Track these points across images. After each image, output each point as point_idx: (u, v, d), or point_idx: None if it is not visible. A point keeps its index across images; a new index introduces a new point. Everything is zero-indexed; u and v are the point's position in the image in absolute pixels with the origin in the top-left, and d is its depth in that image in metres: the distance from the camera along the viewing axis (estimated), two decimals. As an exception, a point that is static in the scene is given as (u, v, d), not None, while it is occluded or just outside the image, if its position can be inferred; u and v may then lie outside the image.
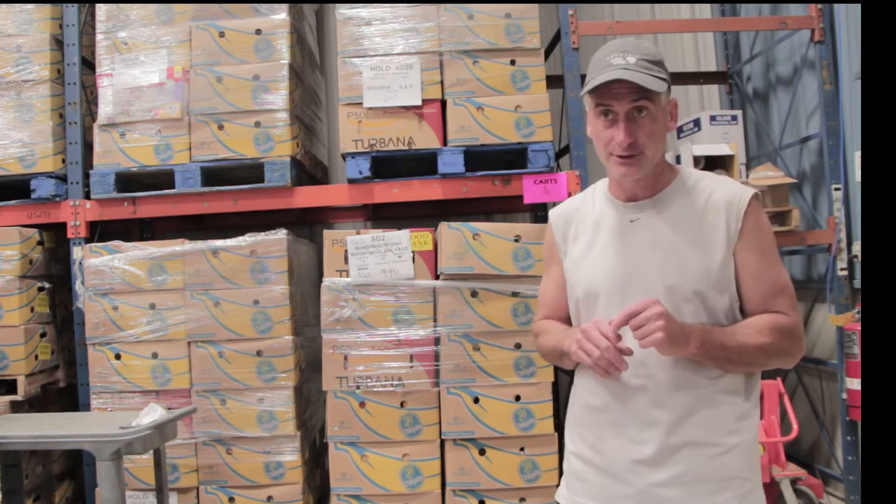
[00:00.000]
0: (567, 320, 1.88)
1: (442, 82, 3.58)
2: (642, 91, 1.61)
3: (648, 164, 1.68)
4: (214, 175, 3.73)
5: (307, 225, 4.99)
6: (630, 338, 1.62)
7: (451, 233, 3.36)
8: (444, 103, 3.58)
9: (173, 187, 3.64)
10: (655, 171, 1.72)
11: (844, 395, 3.67)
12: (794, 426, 3.66)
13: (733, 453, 1.65)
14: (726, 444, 1.65)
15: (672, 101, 1.72)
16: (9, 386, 3.52)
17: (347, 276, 3.40)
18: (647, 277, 1.67)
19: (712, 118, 4.17)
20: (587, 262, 1.78)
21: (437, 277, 3.42)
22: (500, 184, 3.63)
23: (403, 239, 3.39)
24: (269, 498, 3.45)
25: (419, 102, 3.55)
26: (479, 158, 3.63)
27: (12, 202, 3.74)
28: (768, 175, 3.80)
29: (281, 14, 3.71)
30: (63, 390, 3.86)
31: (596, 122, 1.69)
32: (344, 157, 3.63)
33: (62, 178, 3.75)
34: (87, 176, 3.71)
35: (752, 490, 1.68)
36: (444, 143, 3.58)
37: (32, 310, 3.63)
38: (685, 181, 1.75)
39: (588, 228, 1.82)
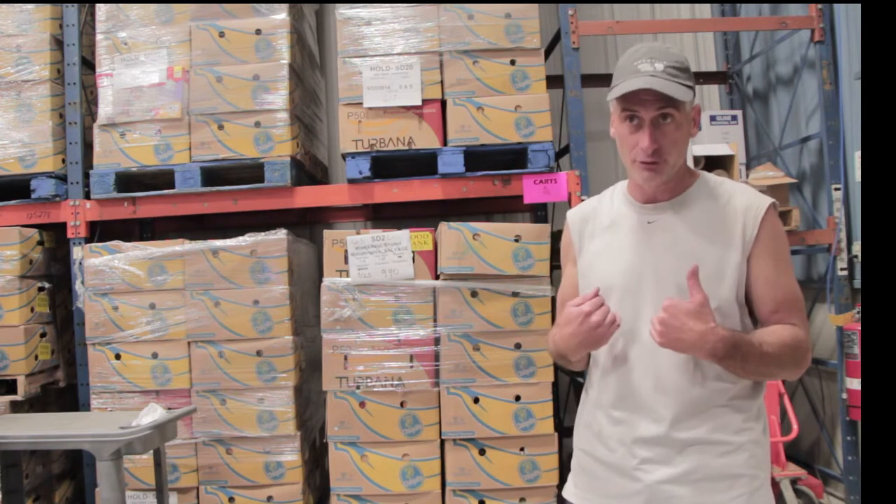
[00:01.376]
0: None
1: (442, 82, 3.58)
2: (668, 99, 1.62)
3: (670, 171, 1.69)
4: (214, 175, 3.73)
5: (307, 225, 4.99)
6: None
7: (451, 233, 3.36)
8: (444, 103, 3.58)
9: (173, 187, 3.64)
10: (676, 177, 1.74)
11: (844, 395, 3.67)
12: (794, 426, 3.67)
13: (741, 452, 1.66)
14: (734, 442, 1.66)
15: (696, 107, 1.73)
16: (9, 386, 3.52)
17: (347, 276, 3.40)
18: (661, 277, 1.68)
19: (712, 118, 4.17)
20: (602, 260, 1.79)
21: (437, 277, 3.42)
22: (500, 184, 3.63)
23: (403, 239, 3.39)
24: (269, 498, 3.45)
25: (419, 102, 3.55)
26: (479, 158, 3.63)
27: (12, 202, 3.74)
28: (768, 175, 3.80)
29: (281, 14, 3.71)
30: (63, 390, 3.86)
31: (621, 126, 1.70)
32: (344, 157, 3.63)
33: (62, 178, 3.75)
34: (87, 176, 3.71)
35: (759, 488, 1.68)
36: (444, 143, 3.58)
37: (32, 310, 3.63)
38: (705, 185, 1.76)
39: (604, 228, 1.83)
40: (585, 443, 1.83)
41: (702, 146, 3.88)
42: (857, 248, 3.70)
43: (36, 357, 3.60)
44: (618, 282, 1.73)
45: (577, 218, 1.91)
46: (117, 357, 3.49)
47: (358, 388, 3.36)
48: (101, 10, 3.76)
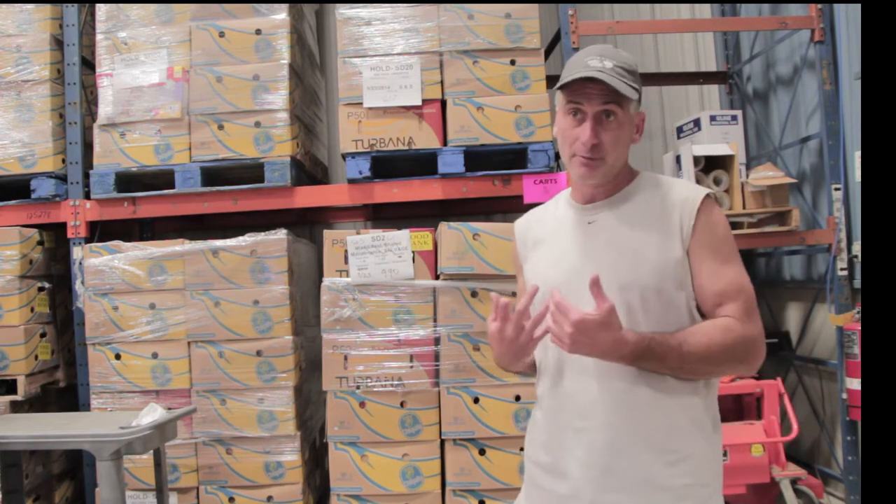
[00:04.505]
0: None
1: (442, 82, 3.58)
2: (613, 95, 1.61)
3: (609, 171, 1.68)
4: (214, 175, 3.73)
5: (307, 225, 4.99)
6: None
7: (451, 233, 3.36)
8: (444, 103, 3.58)
9: (173, 187, 3.65)
10: (615, 178, 1.73)
11: (844, 395, 3.66)
12: (794, 426, 3.66)
13: (690, 460, 1.62)
14: (683, 451, 1.62)
15: (641, 113, 1.72)
16: (9, 386, 3.52)
17: (347, 276, 3.40)
18: (602, 277, 1.63)
19: (712, 118, 4.16)
20: (544, 265, 1.78)
21: (437, 277, 3.42)
22: (500, 184, 3.63)
23: (403, 239, 3.39)
24: (269, 498, 3.45)
25: (419, 102, 3.55)
26: (479, 158, 3.63)
27: (12, 202, 3.74)
28: (768, 175, 3.79)
29: (281, 14, 3.71)
30: (63, 390, 3.86)
31: (564, 120, 1.70)
32: (344, 157, 3.63)
33: (62, 178, 3.75)
34: (87, 176, 3.71)
35: (710, 497, 1.65)
36: (444, 143, 3.58)
37: (32, 310, 3.63)
38: (644, 182, 1.75)
39: (548, 234, 1.82)
40: (534, 451, 1.79)
41: (702, 146, 3.88)
42: (857, 248, 3.69)
43: (36, 357, 3.60)
44: (559, 285, 1.68)
45: (522, 227, 1.90)
46: (117, 357, 3.49)
47: (358, 388, 3.36)
48: (101, 10, 3.76)
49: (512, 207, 4.74)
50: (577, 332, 1.51)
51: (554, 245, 1.78)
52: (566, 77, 1.66)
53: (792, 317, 4.37)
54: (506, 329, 1.61)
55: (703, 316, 1.67)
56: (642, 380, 1.61)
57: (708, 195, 1.68)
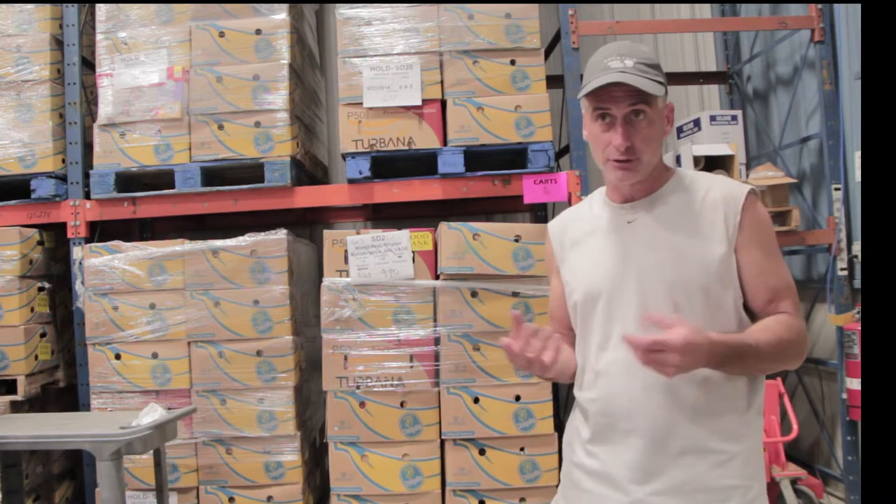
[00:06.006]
0: (573, 331, 1.84)
1: (442, 82, 3.58)
2: (640, 95, 1.59)
3: (645, 169, 1.66)
4: (214, 175, 3.73)
5: (307, 225, 4.99)
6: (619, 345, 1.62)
7: (451, 233, 3.36)
8: (444, 103, 3.58)
9: (173, 187, 3.64)
10: (652, 174, 1.71)
11: (844, 395, 3.67)
12: (794, 426, 3.67)
13: (736, 461, 1.62)
14: (729, 451, 1.61)
15: (669, 105, 1.71)
16: (9, 386, 3.52)
17: (347, 276, 3.40)
18: (647, 276, 1.65)
19: (712, 118, 4.17)
20: (585, 265, 1.77)
21: (437, 277, 3.42)
22: (500, 184, 3.63)
23: (403, 239, 3.39)
24: (269, 498, 3.45)
25: (419, 102, 3.55)
26: (479, 158, 3.63)
27: (12, 202, 3.74)
28: (768, 175, 3.80)
29: (281, 14, 3.71)
30: (63, 390, 3.85)
31: (593, 125, 1.67)
32: (344, 157, 3.63)
33: (62, 178, 3.75)
34: (87, 176, 3.71)
35: (755, 499, 1.64)
36: (444, 143, 3.58)
37: (32, 310, 3.63)
38: (681, 180, 1.74)
39: (585, 234, 1.80)
40: (574, 454, 1.78)
41: (702, 146, 3.88)
42: (857, 248, 3.70)
43: (36, 357, 3.60)
44: (602, 286, 1.69)
45: (557, 228, 1.88)
46: (117, 357, 3.49)
47: (358, 388, 3.36)
48: (101, 10, 3.76)
49: (512, 207, 4.75)
50: (685, 356, 1.43)
51: (593, 246, 1.77)
52: (589, 83, 1.62)
53: (792, 317, 4.37)
54: (518, 359, 1.61)
55: (749, 312, 1.66)
56: (687, 380, 1.60)
57: (751, 191, 1.67)
